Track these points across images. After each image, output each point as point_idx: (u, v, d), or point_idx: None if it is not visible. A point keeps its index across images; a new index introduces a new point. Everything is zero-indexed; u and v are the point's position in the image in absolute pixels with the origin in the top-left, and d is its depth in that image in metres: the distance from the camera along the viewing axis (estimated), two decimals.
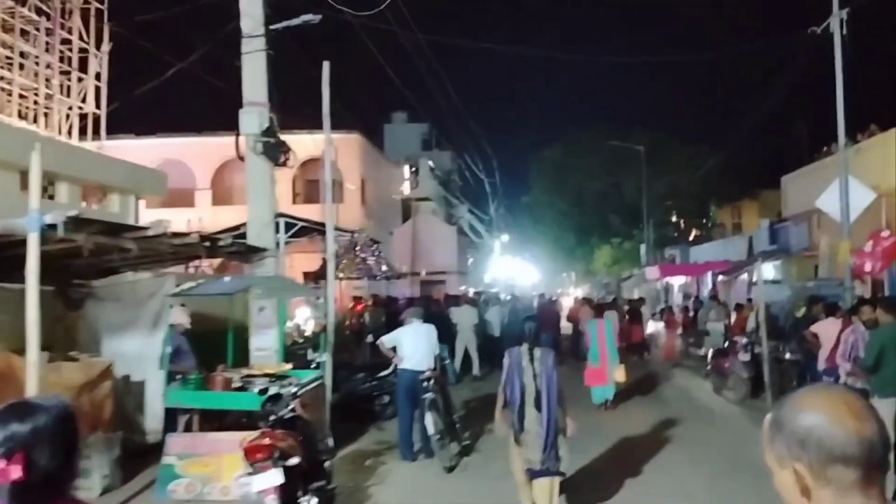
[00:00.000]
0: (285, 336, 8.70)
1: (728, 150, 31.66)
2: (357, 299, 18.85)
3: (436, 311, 16.69)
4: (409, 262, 25.23)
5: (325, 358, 8.60)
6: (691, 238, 43.64)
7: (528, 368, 5.67)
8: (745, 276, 25.53)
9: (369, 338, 14.26)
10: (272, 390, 6.56)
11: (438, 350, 8.82)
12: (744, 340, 12.65)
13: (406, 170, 26.75)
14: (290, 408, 6.16)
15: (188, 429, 7.25)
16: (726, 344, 17.07)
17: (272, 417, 6.09)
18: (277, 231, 12.38)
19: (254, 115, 9.02)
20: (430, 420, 7.98)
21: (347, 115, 22.27)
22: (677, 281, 31.77)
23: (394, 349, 8.57)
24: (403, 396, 8.41)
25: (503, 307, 19.15)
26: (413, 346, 8.43)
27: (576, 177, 43.96)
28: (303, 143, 25.44)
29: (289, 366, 8.28)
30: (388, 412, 10.40)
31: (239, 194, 22.29)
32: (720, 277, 24.11)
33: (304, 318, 10.40)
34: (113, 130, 20.19)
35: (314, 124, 25.77)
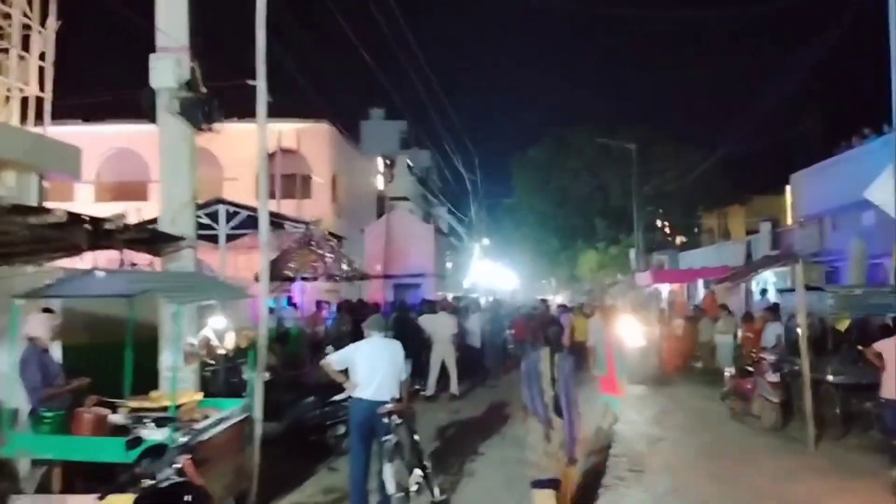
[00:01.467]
0: (191, 352, 6.46)
1: (724, 149, 29.89)
2: (321, 304, 16.70)
3: (404, 319, 14.65)
4: (382, 263, 23.08)
5: (254, 380, 6.44)
6: (676, 244, 42.15)
7: (546, 374, 5.58)
8: (742, 284, 23.93)
9: (328, 350, 12.13)
10: (152, 437, 4.41)
11: (406, 373, 6.69)
12: (771, 358, 10.69)
13: (380, 163, 24.51)
14: (174, 468, 4.04)
15: (44, 488, 5.07)
16: (736, 360, 15.42)
17: (145, 484, 3.99)
18: (217, 221, 10.25)
19: (168, 64, 6.87)
20: (389, 473, 5.87)
21: (319, 104, 20.22)
22: (665, 288, 30.03)
23: (346, 372, 6.44)
24: (357, 436, 6.28)
25: (484, 314, 17.11)
26: (370, 367, 6.31)
27: (559, 178, 42.21)
28: (270, 133, 23.31)
29: (199, 395, 6.13)
30: (344, 446, 8.26)
31: (203, 187, 20.06)
32: (724, 284, 22.26)
33: (218, 328, 8.16)
34: (61, 116, 17.93)
35: (283, 111, 23.69)
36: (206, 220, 11.22)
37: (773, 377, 10.42)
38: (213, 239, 11.67)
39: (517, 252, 47.56)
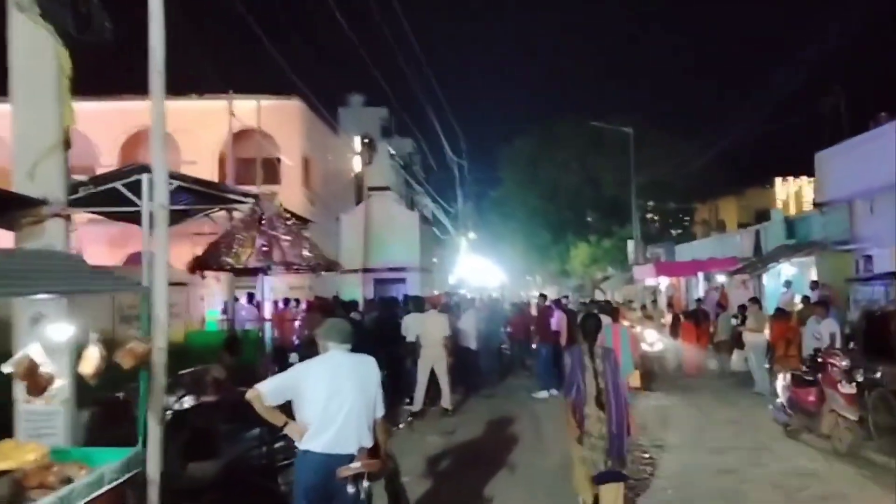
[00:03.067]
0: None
1: (726, 140, 27.91)
2: (287, 303, 14.40)
3: (386, 319, 12.39)
4: (361, 255, 20.72)
5: (149, 419, 4.15)
6: (672, 236, 40.37)
7: (590, 367, 5.45)
8: (745, 276, 21.91)
9: (292, 358, 9.87)
10: None
11: (380, 411, 4.35)
12: (844, 363, 8.55)
13: (357, 143, 22.06)
14: None
15: None
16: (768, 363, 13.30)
17: None
18: (139, 195, 7.90)
19: None
20: None
21: (294, 85, 17.87)
22: (663, 283, 28.05)
23: (289, 408, 4.15)
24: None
25: (479, 312, 14.88)
26: (325, 401, 4.01)
27: (549, 169, 40.20)
28: (235, 108, 20.81)
29: (44, 448, 3.81)
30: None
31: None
32: (739, 276, 20.24)
33: (59, 340, 5.76)
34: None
35: (248, 87, 21.21)
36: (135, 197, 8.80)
37: (849, 388, 8.30)
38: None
39: (505, 246, 45.41)
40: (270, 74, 22.10)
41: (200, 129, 20.48)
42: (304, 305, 13.84)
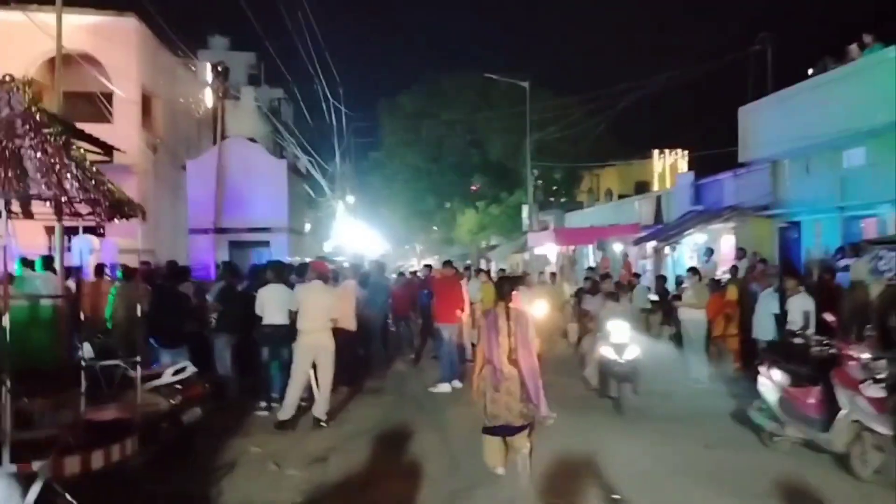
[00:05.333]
0: None
1: (625, 101, 26.11)
2: (102, 268, 10.76)
3: (238, 291, 9.19)
4: (214, 212, 16.91)
5: None
6: (561, 203, 39.02)
7: (504, 328, 5.83)
8: (647, 245, 20.29)
9: (83, 352, 6.49)
10: None
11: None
12: (865, 356, 6.30)
13: (208, 71, 17.98)
14: None
15: None
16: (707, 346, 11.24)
17: None
18: None
19: None
20: None
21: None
22: (552, 252, 26.16)
23: None
24: None
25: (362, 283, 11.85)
26: None
27: (434, 128, 37.37)
28: (53, 27, 16.13)
29: None
30: None
31: None
32: (652, 244, 18.38)
33: None
34: None
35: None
36: None
37: (877, 390, 6.05)
38: None
39: (387, 212, 42.28)
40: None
41: (8, 48, 15.82)
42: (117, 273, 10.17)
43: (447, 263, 11.79)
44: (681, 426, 7.76)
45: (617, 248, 22.30)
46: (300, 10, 22.91)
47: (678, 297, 11.77)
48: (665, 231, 18.29)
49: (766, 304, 9.85)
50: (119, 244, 15.64)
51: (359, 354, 10.98)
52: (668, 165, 45.71)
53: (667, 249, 17.72)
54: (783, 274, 9.89)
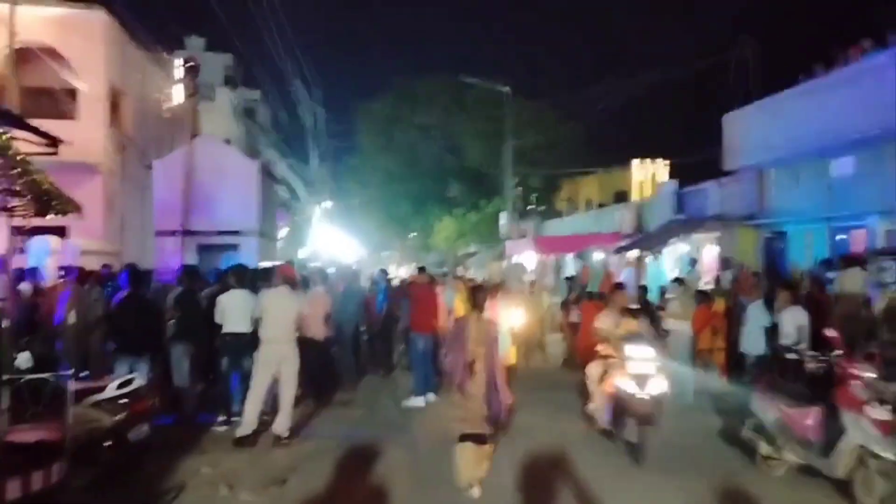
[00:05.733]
0: None
1: (597, 114, 25.84)
2: (66, 272, 10.12)
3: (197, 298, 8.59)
4: (181, 214, 16.19)
5: None
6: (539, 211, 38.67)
7: (473, 335, 5.82)
8: (627, 255, 19.90)
9: (21, 360, 5.90)
10: None
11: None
12: (869, 375, 5.86)
13: (177, 67, 17.23)
14: None
15: None
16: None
17: None
18: None
19: None
20: None
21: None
22: (530, 261, 25.72)
23: None
24: None
25: (332, 289, 11.26)
26: None
27: (408, 133, 36.85)
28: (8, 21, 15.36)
29: None
30: None
31: None
32: (630, 255, 17.97)
33: None
34: None
35: None
36: None
37: (882, 412, 5.62)
38: None
39: (363, 218, 41.66)
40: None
41: None
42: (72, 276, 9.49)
43: (421, 270, 11.21)
44: (667, 449, 7.27)
45: (597, 257, 21.92)
46: (276, 12, 22.29)
47: (661, 309, 11.35)
48: (646, 240, 17.92)
49: (756, 317, 9.43)
50: (81, 246, 14.90)
51: (327, 365, 10.38)
52: (650, 175, 45.76)
53: (648, 259, 17.32)
54: (776, 286, 9.48)
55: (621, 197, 36.91)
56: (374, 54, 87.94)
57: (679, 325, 10.56)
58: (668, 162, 39.88)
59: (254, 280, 8.77)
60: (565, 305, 13.72)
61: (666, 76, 23.09)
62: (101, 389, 5.85)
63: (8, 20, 14.64)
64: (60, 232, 16.09)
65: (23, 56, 16.39)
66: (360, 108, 39.01)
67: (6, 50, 15.33)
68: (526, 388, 9.33)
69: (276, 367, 7.40)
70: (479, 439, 5.71)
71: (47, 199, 4.36)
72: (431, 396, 9.55)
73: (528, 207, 39.11)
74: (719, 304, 11.07)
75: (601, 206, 34.64)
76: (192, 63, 17.46)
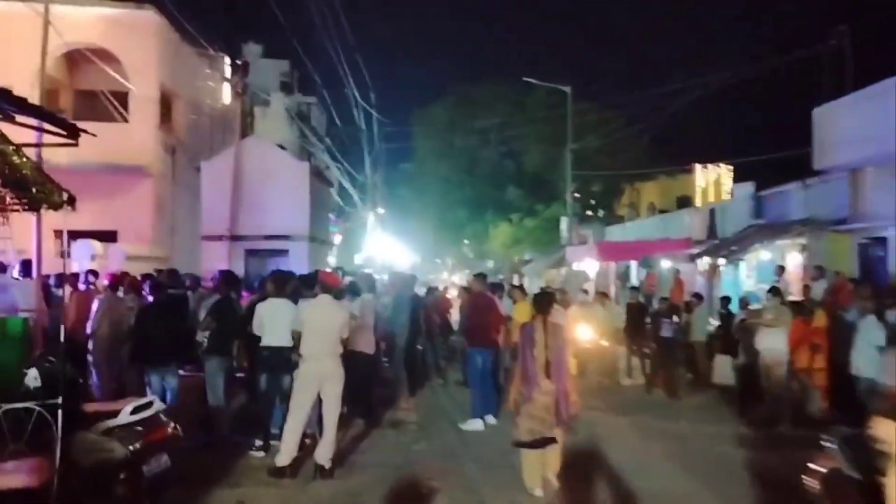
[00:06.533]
0: None
1: (662, 117, 24.49)
2: (88, 277, 9.55)
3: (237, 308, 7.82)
4: (228, 218, 15.64)
5: None
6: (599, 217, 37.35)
7: (540, 341, 5.83)
8: (696, 265, 18.51)
9: (27, 378, 5.24)
10: None
11: None
12: None
13: (226, 66, 16.69)
14: None
15: None
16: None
17: None
18: None
19: None
20: None
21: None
22: (591, 268, 24.50)
23: None
24: None
25: (381, 297, 10.44)
26: None
27: (467, 139, 36.14)
28: (66, 20, 15.06)
29: None
30: None
31: None
32: (707, 260, 16.62)
33: None
34: None
35: None
36: None
37: None
38: None
39: (417, 224, 41.05)
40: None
41: (12, 42, 14.84)
42: (105, 282, 8.89)
43: (479, 276, 10.16)
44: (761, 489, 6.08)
45: (665, 264, 20.61)
46: (333, 18, 21.80)
47: (743, 321, 10.12)
48: (723, 247, 16.55)
49: (869, 334, 8.13)
50: (129, 251, 14.51)
51: (378, 381, 9.53)
52: (713, 180, 43.79)
53: (722, 267, 15.99)
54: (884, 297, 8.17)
55: (684, 202, 35.31)
56: (429, 60, 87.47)
57: (774, 340, 9.29)
58: (731, 169, 38.06)
59: (297, 288, 7.97)
60: (655, 319, 12.44)
61: (738, 73, 21.66)
62: (115, 414, 5.09)
63: (58, 22, 14.39)
64: (111, 237, 15.78)
65: (73, 59, 16.19)
66: (418, 113, 38.56)
67: (60, 52, 15.12)
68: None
69: (318, 387, 6.54)
70: (545, 443, 5.75)
71: (27, 188, 3.58)
72: (491, 419, 8.57)
73: (587, 213, 37.87)
74: (819, 319, 9.75)
75: (662, 211, 33.14)
76: (240, 61, 16.97)
